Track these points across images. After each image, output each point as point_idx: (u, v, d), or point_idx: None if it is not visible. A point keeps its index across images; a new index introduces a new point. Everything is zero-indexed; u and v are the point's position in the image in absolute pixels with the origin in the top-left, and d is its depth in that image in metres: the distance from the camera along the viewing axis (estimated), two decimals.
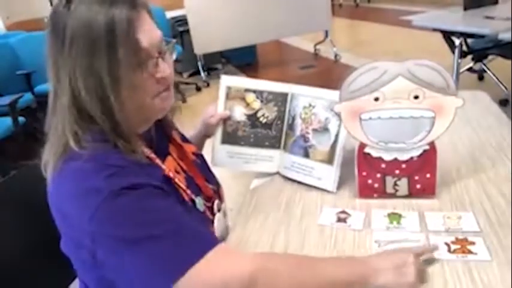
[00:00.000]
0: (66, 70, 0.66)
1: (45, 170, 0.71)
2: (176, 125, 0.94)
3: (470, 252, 0.75)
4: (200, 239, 0.66)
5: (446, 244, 0.77)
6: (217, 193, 0.94)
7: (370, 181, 0.93)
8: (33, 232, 0.92)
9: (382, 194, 0.93)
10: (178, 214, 0.68)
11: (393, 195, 0.93)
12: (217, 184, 0.96)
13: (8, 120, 2.88)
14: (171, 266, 0.62)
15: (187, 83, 4.86)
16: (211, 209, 0.87)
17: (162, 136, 0.86)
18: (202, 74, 4.86)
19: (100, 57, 0.65)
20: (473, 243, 0.77)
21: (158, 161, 0.77)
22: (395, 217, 0.87)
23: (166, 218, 0.65)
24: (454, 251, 0.75)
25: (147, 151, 0.75)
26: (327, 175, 0.99)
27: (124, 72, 0.66)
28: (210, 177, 0.94)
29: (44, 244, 0.83)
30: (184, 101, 4.39)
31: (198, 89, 4.74)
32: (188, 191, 0.80)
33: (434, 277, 0.70)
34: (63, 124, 0.69)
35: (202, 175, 0.89)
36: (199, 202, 0.82)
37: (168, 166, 0.79)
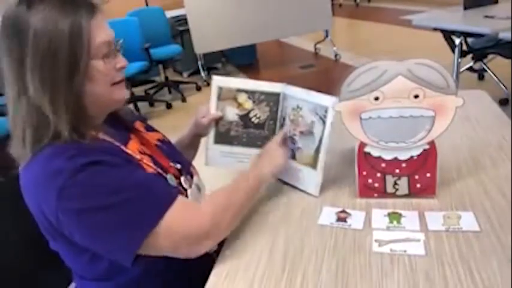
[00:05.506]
0: (30, 70, 0.71)
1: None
2: (143, 117, 0.99)
3: None
4: (158, 199, 0.75)
5: None
6: (185, 169, 0.97)
7: (370, 180, 0.93)
8: (33, 232, 0.92)
9: (382, 193, 0.93)
10: (136, 179, 0.76)
11: (393, 195, 0.93)
12: (184, 162, 0.99)
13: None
14: (134, 231, 0.71)
15: (187, 83, 4.87)
16: (180, 184, 0.92)
17: (121, 127, 0.91)
18: (202, 73, 4.87)
19: (62, 52, 0.70)
20: None
21: (118, 143, 0.82)
22: (395, 217, 0.87)
23: (125, 185, 0.73)
24: None
25: (107, 137, 0.81)
26: (311, 179, 0.99)
27: (84, 62, 0.72)
28: (176, 157, 0.98)
29: (45, 244, 0.83)
30: (184, 100, 4.39)
31: (198, 88, 4.75)
32: (158, 170, 0.85)
33: (435, 277, 0.70)
34: (29, 121, 0.73)
35: (166, 157, 0.94)
36: (171, 178, 0.88)
37: (131, 148, 0.85)
